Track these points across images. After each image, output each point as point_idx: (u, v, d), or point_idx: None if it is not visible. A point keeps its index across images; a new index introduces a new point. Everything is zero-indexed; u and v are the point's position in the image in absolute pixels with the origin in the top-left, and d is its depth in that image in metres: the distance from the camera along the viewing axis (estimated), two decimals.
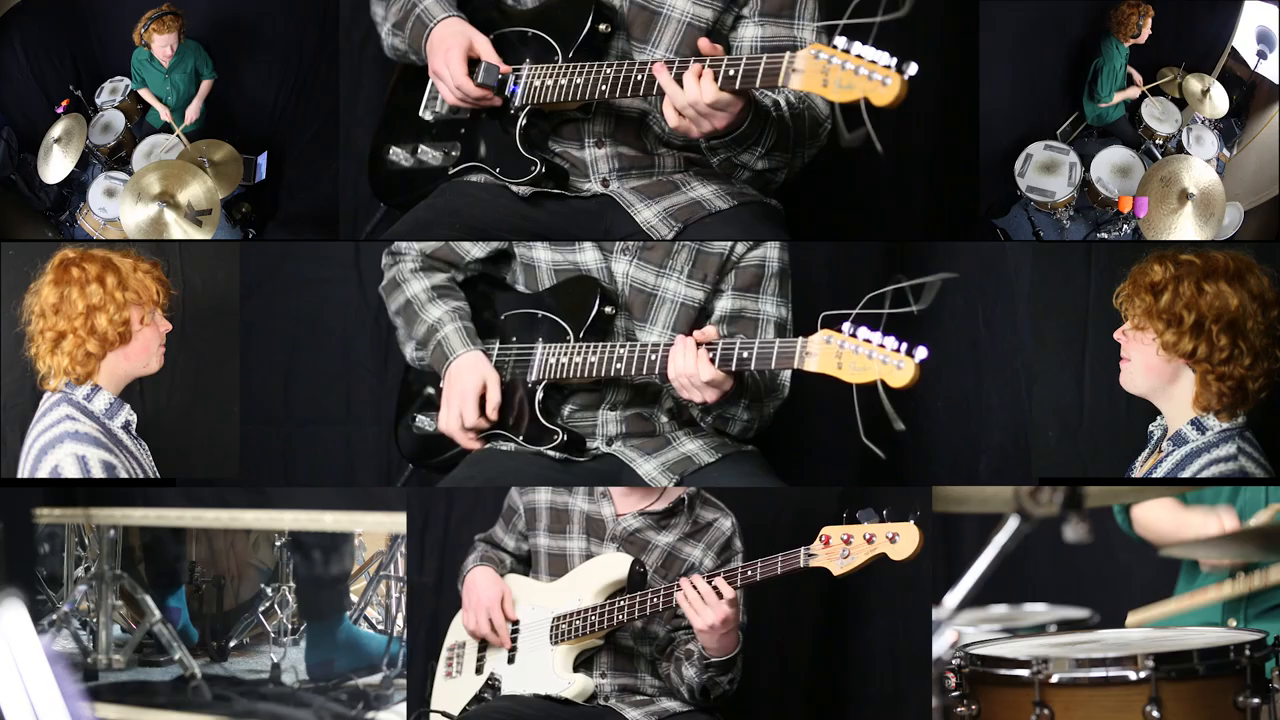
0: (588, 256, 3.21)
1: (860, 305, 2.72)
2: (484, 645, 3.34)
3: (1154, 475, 3.06)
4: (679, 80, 2.86)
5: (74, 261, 3.23)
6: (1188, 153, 3.64)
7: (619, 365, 3.05)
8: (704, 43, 2.92)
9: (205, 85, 3.81)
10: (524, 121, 3.16)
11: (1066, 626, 3.75)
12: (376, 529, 4.16)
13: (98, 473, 3.15)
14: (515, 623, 3.28)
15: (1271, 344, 2.99)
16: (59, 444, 3.15)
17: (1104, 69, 3.65)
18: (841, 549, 2.89)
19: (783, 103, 3.07)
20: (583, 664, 3.21)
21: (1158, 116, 3.67)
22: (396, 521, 3.97)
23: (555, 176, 3.19)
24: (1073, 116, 3.70)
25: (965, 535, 3.95)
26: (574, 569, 3.27)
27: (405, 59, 3.29)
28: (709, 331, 2.93)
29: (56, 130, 3.80)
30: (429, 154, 3.30)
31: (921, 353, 2.68)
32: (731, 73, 2.83)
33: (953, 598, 2.37)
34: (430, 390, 3.32)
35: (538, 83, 3.10)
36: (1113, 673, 2.68)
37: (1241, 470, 2.98)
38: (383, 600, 4.25)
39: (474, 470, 3.20)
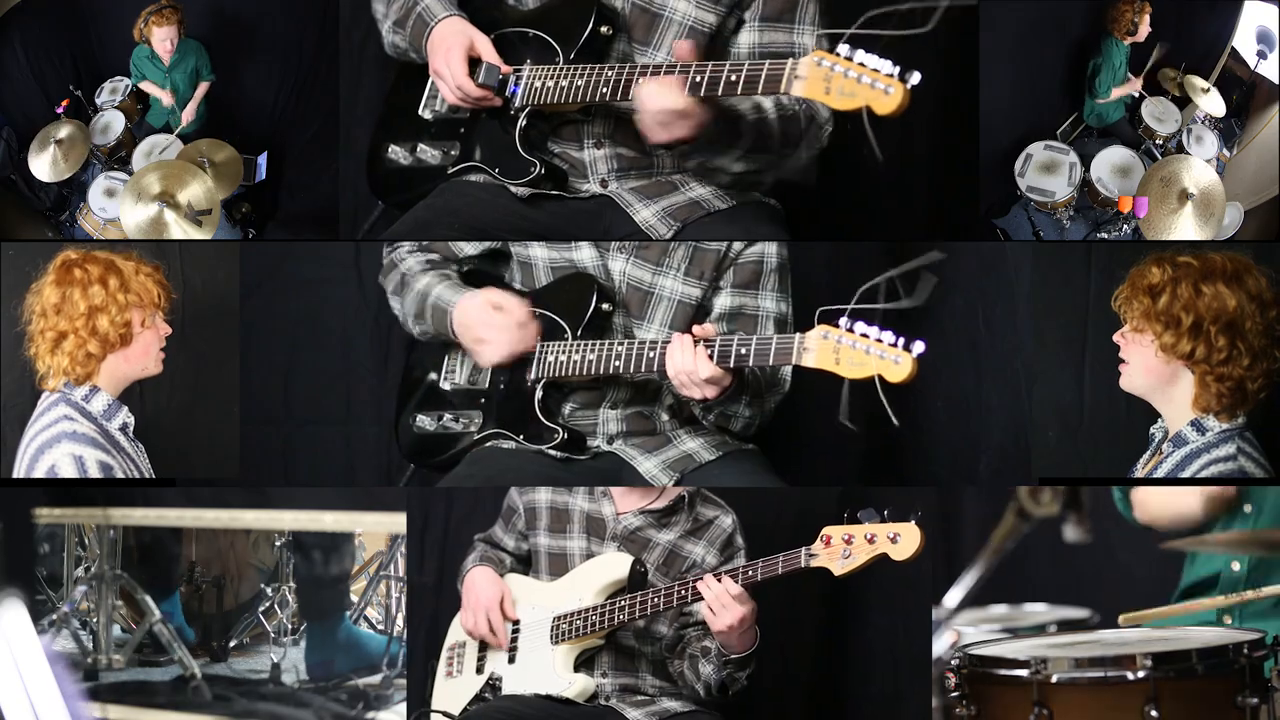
0: (584, 255, 3.20)
1: (854, 299, 2.72)
2: (484, 645, 3.33)
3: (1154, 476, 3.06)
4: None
5: (76, 262, 3.22)
6: (1188, 153, 3.64)
7: (617, 362, 3.05)
8: (682, 47, 2.91)
9: (203, 87, 3.81)
10: (524, 122, 3.16)
11: (1066, 626, 3.74)
12: (376, 529, 4.16)
13: (94, 473, 3.15)
14: (516, 622, 3.28)
15: (1270, 344, 2.99)
16: (56, 444, 3.15)
17: (1103, 66, 3.65)
18: (843, 549, 2.89)
19: (769, 105, 3.07)
20: (583, 664, 3.21)
21: (1158, 116, 3.67)
22: (396, 521, 3.97)
23: (554, 178, 3.19)
24: (1073, 117, 3.70)
25: (965, 535, 3.95)
26: (574, 568, 3.27)
27: (405, 57, 3.29)
28: (707, 328, 2.93)
29: (59, 132, 3.79)
30: (428, 153, 3.30)
31: (919, 347, 2.67)
32: (734, 79, 2.83)
33: (953, 596, 2.37)
34: (432, 376, 3.30)
35: (538, 84, 3.10)
36: (1112, 673, 2.67)
37: (1241, 470, 2.97)
38: (383, 600, 4.25)
39: (474, 469, 3.20)
